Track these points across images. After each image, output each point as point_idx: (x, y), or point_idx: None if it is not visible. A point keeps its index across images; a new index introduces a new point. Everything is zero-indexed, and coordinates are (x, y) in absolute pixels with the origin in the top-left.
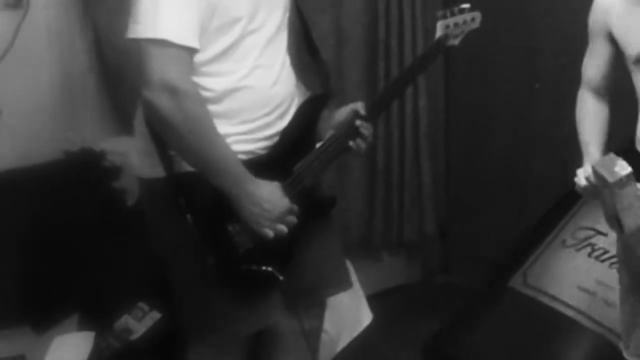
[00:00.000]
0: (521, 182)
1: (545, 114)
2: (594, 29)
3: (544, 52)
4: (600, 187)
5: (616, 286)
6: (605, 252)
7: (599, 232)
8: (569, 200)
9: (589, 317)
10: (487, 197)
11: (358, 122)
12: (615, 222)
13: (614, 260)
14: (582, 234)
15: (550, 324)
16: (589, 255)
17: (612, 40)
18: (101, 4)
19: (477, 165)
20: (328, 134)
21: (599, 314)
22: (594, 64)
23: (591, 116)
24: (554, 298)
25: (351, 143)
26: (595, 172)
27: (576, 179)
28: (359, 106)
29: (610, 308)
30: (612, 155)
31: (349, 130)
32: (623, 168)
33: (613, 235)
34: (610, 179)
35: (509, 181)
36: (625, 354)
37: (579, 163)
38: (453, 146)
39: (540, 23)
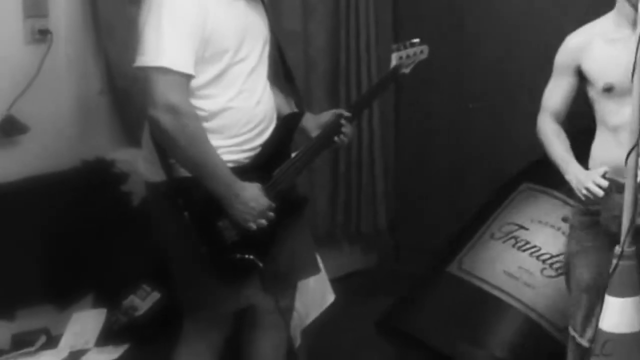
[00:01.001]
0: (458, 185)
1: (478, 129)
2: (561, 65)
3: (477, 77)
4: (613, 191)
5: (536, 272)
6: (527, 243)
7: (522, 227)
8: (496, 200)
9: (513, 297)
10: (430, 198)
11: (343, 122)
12: (617, 221)
13: (534, 250)
14: (508, 228)
15: (480, 302)
16: (513, 246)
17: (579, 75)
18: (111, 38)
19: (421, 172)
20: (315, 132)
21: (520, 294)
22: (558, 95)
23: (558, 137)
24: (484, 281)
25: (336, 138)
26: (609, 179)
27: (575, 184)
28: (343, 111)
29: (529, 289)
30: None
31: (335, 128)
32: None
33: (533, 229)
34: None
35: (448, 184)
36: (580, 341)
37: (504, 171)
38: (401, 156)
39: (472, 52)
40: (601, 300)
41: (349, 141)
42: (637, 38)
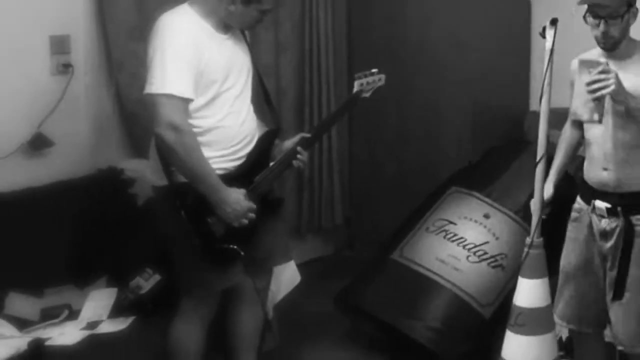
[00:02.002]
0: (400, 188)
1: (416, 143)
2: (571, 81)
3: (413, 101)
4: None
5: (462, 258)
6: (455, 235)
7: (451, 222)
8: (430, 200)
9: (444, 279)
10: (378, 198)
11: (299, 149)
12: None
13: (461, 240)
14: (440, 223)
15: (418, 283)
16: (444, 237)
17: None
18: (121, 71)
19: (371, 177)
20: (279, 156)
21: (450, 276)
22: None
23: (563, 149)
24: (421, 265)
25: (295, 161)
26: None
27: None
28: (304, 136)
29: (457, 272)
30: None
31: (293, 154)
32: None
33: (460, 224)
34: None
35: (392, 187)
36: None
37: (436, 177)
38: (354, 164)
39: (410, 81)
40: (571, 284)
41: (305, 166)
42: (546, 65)
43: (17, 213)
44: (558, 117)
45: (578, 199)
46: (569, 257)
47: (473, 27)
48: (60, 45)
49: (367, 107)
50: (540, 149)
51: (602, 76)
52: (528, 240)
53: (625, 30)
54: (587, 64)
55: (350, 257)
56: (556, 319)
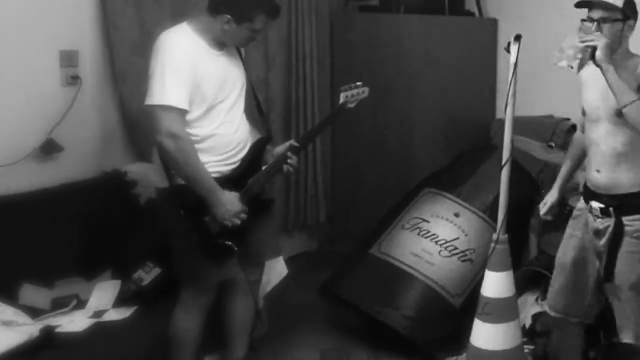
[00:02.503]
0: (378, 190)
1: (393, 149)
2: (580, 86)
3: (390, 112)
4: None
5: (435, 253)
6: (428, 232)
7: (424, 220)
8: (406, 201)
9: (418, 271)
10: (358, 199)
11: (289, 154)
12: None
13: (433, 237)
14: (414, 221)
15: (394, 275)
16: (418, 234)
17: None
18: (124, 84)
19: (351, 180)
20: (270, 161)
21: (423, 269)
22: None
23: (571, 156)
24: (397, 260)
25: (286, 165)
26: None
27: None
28: (293, 142)
29: (430, 265)
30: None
31: (283, 160)
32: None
33: (433, 222)
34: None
35: (371, 189)
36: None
37: (411, 179)
38: (336, 168)
39: (386, 95)
40: (563, 276)
41: (296, 170)
42: (510, 77)
43: (31, 212)
44: (522, 124)
45: (581, 199)
46: (565, 251)
47: (444, 44)
48: (69, 59)
49: (348, 116)
50: (506, 154)
51: (596, 35)
52: (495, 236)
53: (617, 39)
54: (585, 29)
55: (333, 252)
56: (546, 307)
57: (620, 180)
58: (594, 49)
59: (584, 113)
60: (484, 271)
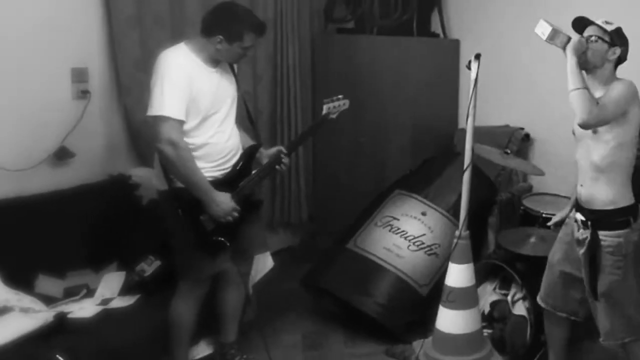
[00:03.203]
0: (354, 191)
1: (367, 154)
2: None
3: (364, 122)
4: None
5: (404, 247)
6: (398, 229)
7: (395, 218)
8: (378, 201)
9: (389, 264)
10: (336, 199)
11: (282, 155)
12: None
13: (403, 233)
14: (386, 219)
15: (368, 267)
16: (389, 230)
17: None
18: (128, 96)
19: (330, 182)
20: (265, 161)
21: (394, 262)
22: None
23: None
24: (370, 253)
25: (277, 167)
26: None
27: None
28: (282, 148)
29: (399, 258)
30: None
31: (278, 159)
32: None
33: (402, 220)
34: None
35: (347, 190)
36: (538, 300)
37: (383, 181)
38: (317, 172)
39: (361, 107)
40: (551, 275)
41: (287, 169)
42: (471, 91)
43: (45, 211)
44: (481, 133)
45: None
46: (554, 252)
47: (412, 62)
48: (79, 75)
49: (328, 125)
50: (467, 159)
51: (577, 35)
52: (457, 233)
53: (599, 57)
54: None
55: (313, 247)
56: (538, 299)
57: (598, 195)
58: (569, 38)
59: (573, 133)
60: (448, 263)
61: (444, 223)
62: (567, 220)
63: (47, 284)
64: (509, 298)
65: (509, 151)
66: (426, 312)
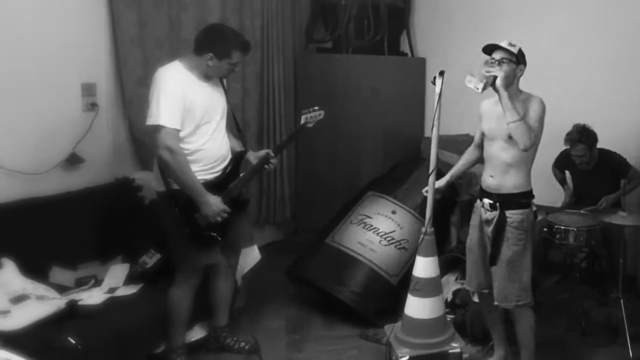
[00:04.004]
0: (332, 192)
1: (344, 161)
2: (480, 115)
3: (342, 130)
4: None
5: (376, 242)
6: (371, 226)
7: (368, 217)
8: (353, 201)
9: (363, 257)
10: (316, 199)
11: (270, 156)
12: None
13: (375, 230)
14: (360, 217)
15: (345, 260)
16: (363, 227)
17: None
18: (132, 108)
19: (311, 184)
20: (254, 162)
21: (367, 255)
22: (478, 134)
23: (465, 155)
24: (347, 247)
25: (267, 166)
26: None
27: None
28: (270, 151)
29: (372, 252)
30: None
31: (265, 161)
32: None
33: (375, 218)
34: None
35: (327, 191)
36: (466, 286)
37: (358, 184)
38: (299, 176)
39: (339, 117)
40: (470, 257)
41: (274, 168)
42: (436, 104)
43: (58, 210)
44: (444, 141)
45: (478, 198)
46: (470, 237)
47: (384, 78)
48: (88, 90)
49: (308, 134)
50: (432, 164)
51: (497, 68)
52: (423, 229)
53: (511, 75)
54: (489, 63)
55: (296, 241)
56: (466, 286)
57: (506, 183)
58: (495, 77)
59: (482, 134)
60: (415, 256)
61: (412, 221)
62: (474, 209)
63: (60, 274)
64: (468, 288)
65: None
66: (396, 299)
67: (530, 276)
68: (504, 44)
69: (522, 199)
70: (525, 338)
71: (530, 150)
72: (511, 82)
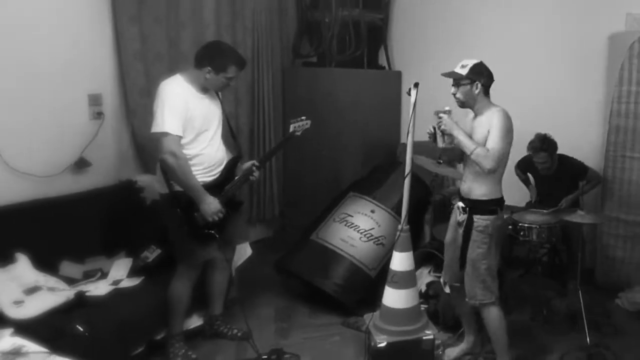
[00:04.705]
0: (317, 193)
1: (327, 165)
2: None
3: (326, 137)
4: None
5: (356, 238)
6: (352, 224)
7: (349, 215)
8: (336, 201)
9: (345, 252)
10: (302, 199)
11: (254, 168)
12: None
13: (355, 227)
14: (342, 216)
15: (328, 255)
16: (345, 225)
17: None
18: (135, 117)
19: (297, 185)
20: (241, 172)
21: (349, 250)
22: None
23: None
24: (330, 243)
25: (251, 177)
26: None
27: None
28: (255, 162)
29: (353, 247)
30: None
31: (250, 171)
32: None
33: (356, 216)
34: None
35: (311, 192)
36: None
37: (340, 185)
38: (287, 178)
39: (323, 124)
40: (446, 253)
41: (258, 179)
42: (411, 113)
43: (68, 210)
44: (418, 146)
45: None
46: (448, 235)
47: (363, 89)
48: (95, 100)
49: (296, 141)
50: (407, 168)
51: (442, 118)
52: (399, 227)
53: (469, 95)
54: (436, 112)
55: (284, 238)
56: (441, 280)
57: (475, 189)
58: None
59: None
60: (392, 251)
61: (389, 219)
62: (454, 209)
63: (69, 268)
64: (442, 279)
65: (441, 161)
66: (375, 290)
67: (494, 278)
68: (456, 68)
69: (489, 205)
70: (493, 334)
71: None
72: (471, 101)
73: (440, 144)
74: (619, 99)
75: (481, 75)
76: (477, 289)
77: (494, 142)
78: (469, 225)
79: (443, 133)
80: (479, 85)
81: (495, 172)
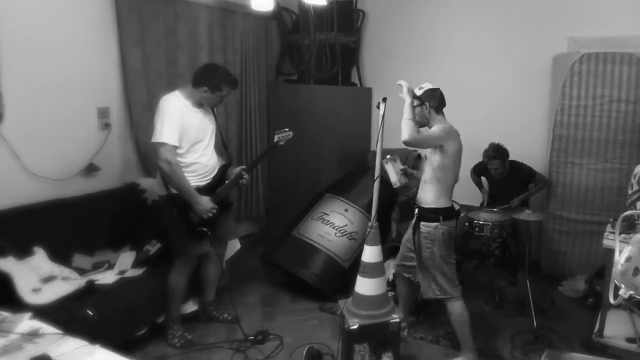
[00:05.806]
0: (297, 194)
1: (307, 169)
2: None
3: (306, 143)
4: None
5: (332, 234)
6: (329, 221)
7: (325, 214)
8: (314, 201)
9: (322, 246)
10: (285, 199)
11: (244, 173)
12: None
13: (331, 224)
14: (319, 214)
15: (307, 248)
16: (322, 222)
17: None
18: (138, 128)
19: (281, 187)
20: (231, 177)
21: (326, 244)
22: None
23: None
24: (309, 238)
25: (240, 181)
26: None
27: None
28: (244, 167)
29: (329, 242)
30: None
31: (240, 176)
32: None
33: (331, 214)
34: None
35: (293, 193)
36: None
37: (317, 187)
38: (272, 180)
39: (303, 132)
40: (402, 249)
41: (247, 183)
42: (380, 124)
43: (79, 209)
44: (386, 153)
45: None
46: (406, 234)
47: (339, 104)
48: (103, 112)
49: (278, 149)
50: (377, 172)
51: (401, 84)
52: (369, 224)
53: (423, 115)
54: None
55: (268, 234)
56: (393, 266)
57: (423, 197)
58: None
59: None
60: (363, 245)
61: (361, 217)
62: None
63: (80, 259)
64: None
65: (406, 166)
66: (348, 279)
67: (446, 277)
68: (416, 88)
69: (432, 214)
70: (455, 326)
71: (443, 170)
72: (424, 120)
73: (396, 183)
74: (562, 112)
75: (432, 98)
76: (429, 286)
77: (427, 132)
78: (414, 230)
79: (404, 172)
80: (428, 106)
81: (439, 179)
